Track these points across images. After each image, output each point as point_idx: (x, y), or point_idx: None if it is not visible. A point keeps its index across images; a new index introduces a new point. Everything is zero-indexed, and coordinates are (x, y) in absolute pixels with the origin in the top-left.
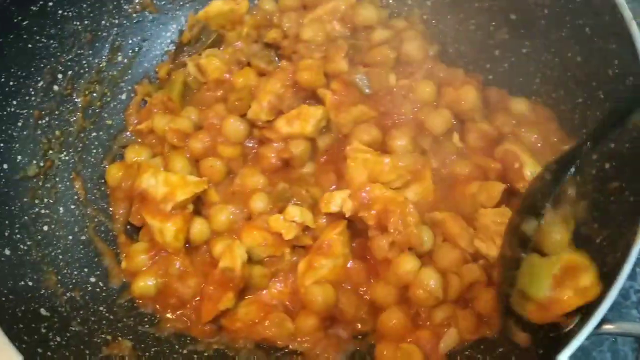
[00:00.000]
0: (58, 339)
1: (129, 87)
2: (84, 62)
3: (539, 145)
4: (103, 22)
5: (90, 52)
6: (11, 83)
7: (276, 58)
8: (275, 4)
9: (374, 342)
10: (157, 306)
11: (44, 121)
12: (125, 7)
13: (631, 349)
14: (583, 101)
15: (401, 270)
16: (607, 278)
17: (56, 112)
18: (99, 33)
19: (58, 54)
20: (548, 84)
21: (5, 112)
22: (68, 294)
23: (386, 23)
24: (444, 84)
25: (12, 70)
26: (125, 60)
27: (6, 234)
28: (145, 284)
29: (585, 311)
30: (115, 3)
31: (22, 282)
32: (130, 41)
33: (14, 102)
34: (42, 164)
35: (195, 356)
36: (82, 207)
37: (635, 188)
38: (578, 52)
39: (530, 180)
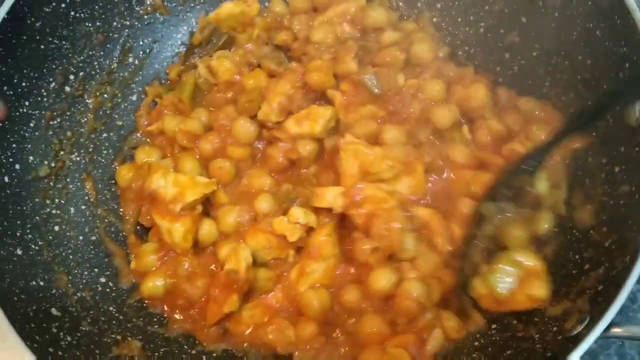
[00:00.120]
0: (69, 338)
1: (140, 89)
2: (96, 63)
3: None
4: (114, 23)
5: (102, 53)
6: (23, 84)
7: (286, 60)
8: (285, 6)
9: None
10: (165, 307)
11: (55, 122)
12: (136, 8)
13: (638, 353)
14: (593, 104)
15: (376, 286)
16: (615, 281)
17: (68, 113)
18: (111, 34)
19: (70, 55)
20: (558, 87)
21: (17, 113)
22: (78, 294)
23: (396, 25)
24: (453, 82)
25: (25, 71)
26: (136, 61)
27: (18, 234)
28: (154, 285)
29: (593, 314)
30: (126, 5)
31: (34, 282)
32: (141, 43)
33: (26, 103)
34: (53, 165)
35: (204, 356)
36: (93, 207)
37: None
38: (588, 55)
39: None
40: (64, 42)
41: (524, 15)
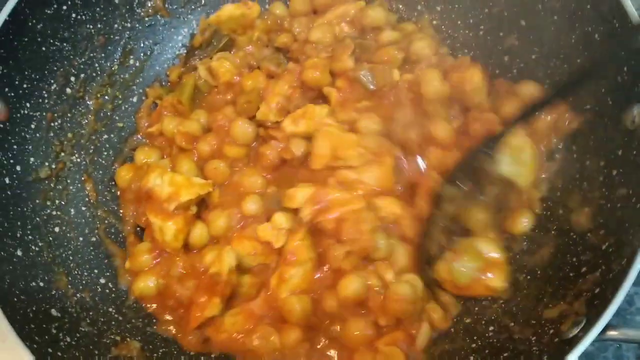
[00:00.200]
0: (68, 339)
1: (141, 90)
2: (97, 65)
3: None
4: (116, 25)
5: (103, 55)
6: (25, 86)
7: (285, 61)
8: (286, 9)
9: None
10: (155, 307)
11: (56, 124)
12: (137, 11)
13: (635, 356)
14: (591, 107)
15: (345, 293)
16: (612, 284)
17: (68, 115)
18: (112, 36)
19: (71, 57)
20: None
21: (18, 115)
22: (78, 295)
23: (395, 26)
24: (450, 71)
25: (26, 73)
26: (137, 63)
27: (18, 235)
28: (146, 285)
29: (590, 317)
30: (127, 7)
31: (34, 283)
32: (142, 45)
33: (27, 105)
34: (54, 166)
35: (202, 357)
36: (93, 208)
37: None
38: (587, 58)
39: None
40: (65, 44)
41: (523, 18)
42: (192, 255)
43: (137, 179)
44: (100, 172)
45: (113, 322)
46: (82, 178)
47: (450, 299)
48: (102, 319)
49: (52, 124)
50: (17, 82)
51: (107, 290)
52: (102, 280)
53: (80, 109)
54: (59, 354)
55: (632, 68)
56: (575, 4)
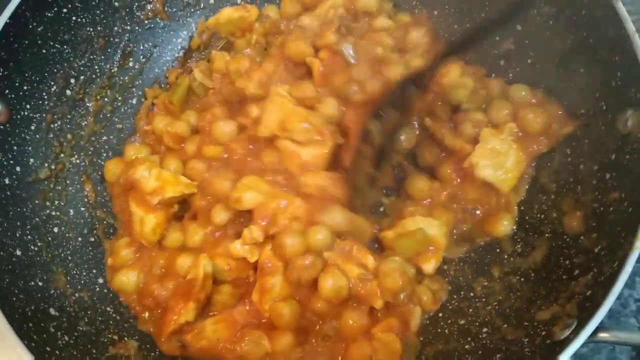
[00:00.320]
0: (66, 338)
1: (140, 92)
2: (96, 67)
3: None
4: (115, 28)
5: (103, 57)
6: (25, 87)
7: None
8: (278, 11)
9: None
10: (133, 304)
11: (56, 125)
12: (137, 13)
13: (629, 358)
14: (586, 112)
15: (325, 294)
16: (603, 287)
17: (68, 116)
18: (111, 39)
19: (71, 59)
20: (551, 94)
21: (19, 116)
22: (77, 295)
23: (392, 16)
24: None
25: (26, 75)
26: (137, 65)
27: (17, 234)
28: (126, 279)
29: (581, 319)
30: (127, 10)
31: (33, 282)
32: (141, 47)
33: (28, 106)
34: (53, 167)
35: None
36: (92, 209)
37: (635, 199)
38: (582, 63)
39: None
40: (65, 47)
41: (520, 23)
42: (171, 253)
43: (126, 173)
44: (100, 173)
45: (111, 322)
46: (81, 179)
47: (439, 284)
48: (100, 319)
49: (52, 126)
50: (17, 84)
51: (105, 290)
52: (100, 280)
53: (79, 110)
54: (57, 352)
55: (626, 73)
56: (570, 9)
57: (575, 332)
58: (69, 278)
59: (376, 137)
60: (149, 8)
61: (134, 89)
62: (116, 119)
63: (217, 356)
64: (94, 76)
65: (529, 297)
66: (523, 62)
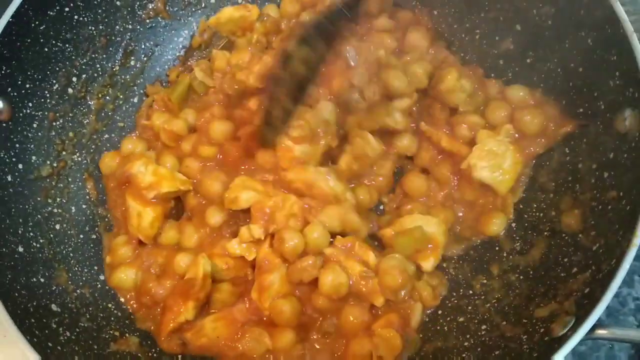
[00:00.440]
0: (68, 334)
1: (141, 91)
2: (98, 66)
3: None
4: (117, 27)
5: (104, 56)
6: (27, 86)
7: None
8: (279, 11)
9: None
10: (132, 302)
11: (58, 123)
12: (139, 12)
13: (627, 356)
14: (584, 111)
15: (325, 290)
16: (601, 284)
17: (70, 115)
18: (113, 38)
19: (73, 57)
20: (550, 93)
21: (21, 114)
22: (78, 291)
23: (392, 14)
24: (437, 66)
25: (29, 73)
26: (138, 64)
27: (20, 231)
28: (124, 276)
29: (579, 316)
30: (129, 9)
31: (34, 279)
32: (143, 46)
33: (30, 104)
34: (55, 165)
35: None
36: (93, 206)
37: (632, 197)
38: (580, 63)
39: None
40: (67, 45)
41: (519, 23)
42: (169, 251)
43: (122, 166)
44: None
45: (112, 318)
46: (83, 176)
47: (438, 280)
48: (101, 315)
49: (54, 124)
50: (19, 82)
51: (107, 287)
52: (102, 277)
53: (81, 108)
54: (59, 348)
55: (624, 72)
56: (569, 9)
57: (573, 329)
58: (70, 275)
59: (297, 65)
60: (150, 7)
61: (135, 88)
62: (117, 117)
63: (218, 354)
64: (95, 75)
65: (528, 295)
66: (522, 62)
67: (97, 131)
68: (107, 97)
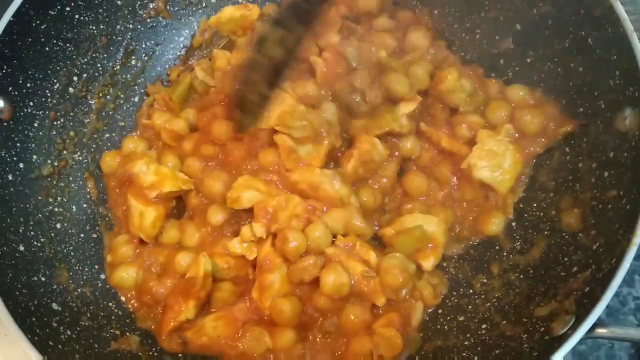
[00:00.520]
0: (69, 332)
1: (142, 90)
2: (99, 65)
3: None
4: (118, 26)
5: (105, 55)
6: (28, 85)
7: None
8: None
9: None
10: (132, 301)
11: (59, 122)
12: (139, 12)
13: (627, 355)
14: (584, 110)
15: (326, 290)
16: (601, 283)
17: (71, 114)
18: (114, 37)
19: (74, 57)
20: (550, 93)
21: (22, 113)
22: (79, 290)
23: (392, 13)
24: (437, 67)
25: (30, 72)
26: (139, 63)
27: (21, 230)
28: (125, 275)
29: (579, 315)
30: (130, 8)
31: (35, 278)
32: (144, 45)
33: (31, 104)
34: (56, 164)
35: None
36: (94, 205)
37: (632, 197)
38: (580, 62)
39: None
40: (68, 45)
41: (519, 22)
42: (170, 250)
43: (123, 165)
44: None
45: (113, 317)
46: (84, 176)
47: (439, 278)
48: (102, 314)
49: (55, 123)
50: (20, 82)
51: (108, 286)
52: (102, 276)
53: (82, 108)
54: (60, 347)
55: (624, 71)
56: (569, 9)
57: (573, 328)
58: (71, 273)
59: (272, 48)
60: (151, 7)
61: (136, 87)
62: (118, 117)
63: (219, 353)
64: (96, 74)
65: (528, 294)
66: (522, 62)
67: (98, 130)
68: (108, 97)
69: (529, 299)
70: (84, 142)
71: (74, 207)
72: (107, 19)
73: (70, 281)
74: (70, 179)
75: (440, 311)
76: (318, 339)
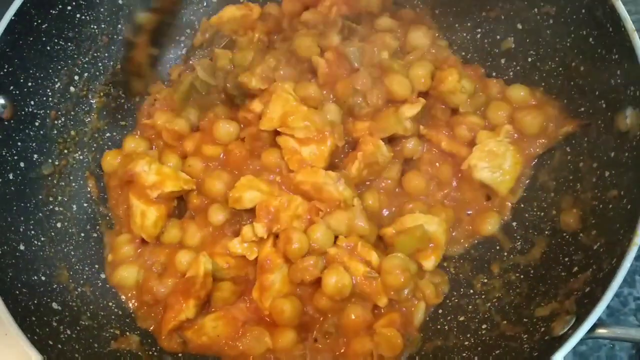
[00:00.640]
0: (68, 332)
1: None
2: (100, 64)
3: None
4: (119, 26)
5: (106, 54)
6: (30, 84)
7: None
8: (280, 9)
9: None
10: (133, 300)
11: (60, 121)
12: None
13: (628, 355)
14: (585, 110)
15: (328, 291)
16: (602, 283)
17: (72, 113)
18: (115, 36)
19: (75, 56)
20: (551, 92)
21: (23, 112)
22: (79, 289)
23: (394, 14)
24: (438, 67)
25: (31, 71)
26: None
27: (21, 229)
28: (126, 275)
29: (580, 315)
30: (131, 8)
31: (35, 277)
32: None
33: (32, 103)
34: (57, 163)
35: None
36: (95, 205)
37: (633, 196)
38: (581, 61)
39: None
40: (69, 44)
41: (520, 22)
42: (171, 250)
43: (124, 165)
44: (103, 169)
45: (113, 316)
46: (85, 175)
47: (441, 277)
48: (102, 313)
49: (56, 122)
50: (22, 81)
51: (108, 285)
52: (103, 276)
53: (83, 107)
54: (60, 346)
55: (625, 72)
56: (570, 8)
57: (574, 329)
58: (71, 273)
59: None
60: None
61: None
62: (119, 116)
63: (219, 353)
64: (97, 73)
65: (528, 294)
66: (524, 61)
67: (98, 130)
68: (110, 96)
69: (529, 299)
70: (85, 141)
71: (74, 206)
72: (108, 19)
73: (71, 280)
74: (71, 178)
75: (440, 311)
76: (318, 340)
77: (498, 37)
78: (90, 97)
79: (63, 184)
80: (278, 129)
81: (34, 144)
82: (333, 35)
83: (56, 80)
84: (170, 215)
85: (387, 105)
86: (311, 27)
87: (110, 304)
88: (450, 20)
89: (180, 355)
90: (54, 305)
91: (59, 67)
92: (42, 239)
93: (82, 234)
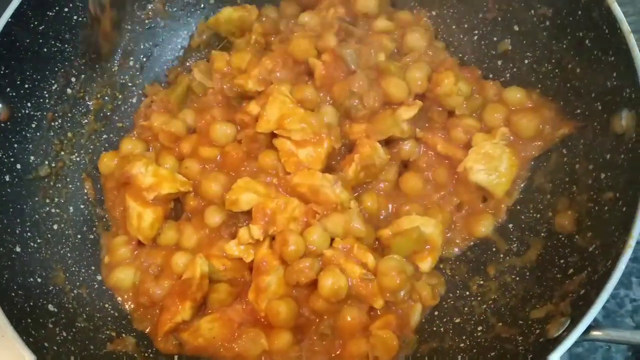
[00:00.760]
0: (64, 334)
1: (140, 91)
2: (97, 66)
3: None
4: None
5: None
6: (26, 86)
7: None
8: (278, 11)
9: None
10: (129, 302)
11: (56, 123)
12: (138, 13)
13: (624, 357)
14: (581, 112)
15: (324, 293)
16: (597, 285)
17: (69, 115)
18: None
19: (72, 58)
20: (548, 94)
21: (19, 114)
22: (75, 291)
23: (391, 16)
24: (435, 69)
25: (28, 73)
26: (137, 64)
27: (17, 231)
28: (122, 276)
29: (574, 317)
30: (128, 10)
31: (32, 279)
32: (142, 46)
33: (29, 104)
34: (53, 165)
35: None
36: (91, 207)
37: (629, 199)
38: (578, 63)
39: None
40: (66, 46)
41: (517, 24)
42: (167, 252)
43: (121, 167)
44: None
45: (109, 318)
46: (81, 177)
47: (437, 279)
48: (98, 315)
49: (53, 124)
50: (18, 82)
51: (104, 287)
52: (99, 277)
53: (80, 109)
54: (55, 348)
55: (621, 74)
56: (566, 10)
57: (568, 330)
58: (67, 275)
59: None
60: (149, 7)
61: (134, 88)
62: (116, 118)
63: (215, 354)
64: (94, 75)
65: (524, 296)
66: (520, 63)
67: (95, 131)
68: (106, 98)
69: (524, 301)
70: (82, 143)
71: (71, 208)
72: None
73: (67, 282)
74: (68, 180)
75: (436, 313)
76: (314, 341)
77: (495, 39)
78: (87, 98)
79: (60, 185)
80: (275, 131)
81: (30, 146)
82: (330, 37)
83: (53, 82)
84: (166, 217)
85: (384, 108)
86: (308, 29)
87: (107, 305)
88: (447, 22)
89: (176, 357)
90: (50, 307)
91: (56, 68)
92: (39, 240)
93: (79, 236)
